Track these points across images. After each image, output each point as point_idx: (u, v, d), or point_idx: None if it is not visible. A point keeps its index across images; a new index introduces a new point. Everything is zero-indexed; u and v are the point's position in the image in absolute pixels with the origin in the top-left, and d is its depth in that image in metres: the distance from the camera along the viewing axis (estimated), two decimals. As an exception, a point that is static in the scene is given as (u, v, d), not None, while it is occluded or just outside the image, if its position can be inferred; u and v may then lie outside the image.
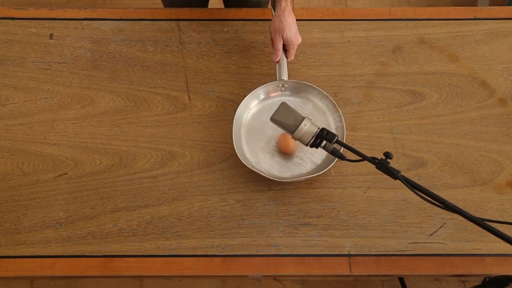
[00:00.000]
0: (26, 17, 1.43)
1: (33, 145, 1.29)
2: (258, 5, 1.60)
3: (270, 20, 1.43)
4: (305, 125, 1.07)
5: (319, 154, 1.26)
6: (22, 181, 1.25)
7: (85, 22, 1.43)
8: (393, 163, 1.24)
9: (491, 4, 2.44)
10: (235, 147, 1.23)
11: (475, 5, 2.43)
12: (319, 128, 1.08)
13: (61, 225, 1.21)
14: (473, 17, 1.44)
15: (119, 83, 1.35)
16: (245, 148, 1.27)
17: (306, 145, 1.09)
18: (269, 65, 1.37)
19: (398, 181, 1.00)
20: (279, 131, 1.25)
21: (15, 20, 1.43)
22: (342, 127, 1.26)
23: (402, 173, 1.00)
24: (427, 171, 1.27)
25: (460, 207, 0.96)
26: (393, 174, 0.99)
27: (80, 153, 1.28)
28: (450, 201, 0.97)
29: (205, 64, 1.37)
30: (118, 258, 1.18)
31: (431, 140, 1.30)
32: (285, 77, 1.28)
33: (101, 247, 1.19)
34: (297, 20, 1.43)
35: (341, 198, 1.24)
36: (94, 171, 1.26)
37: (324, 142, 1.08)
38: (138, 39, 1.41)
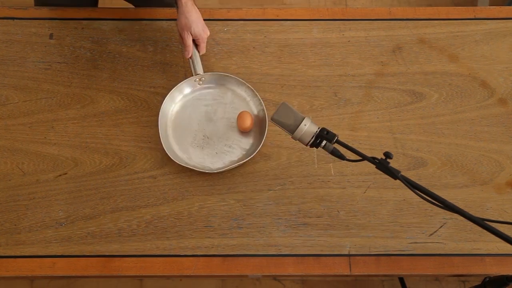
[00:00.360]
0: (26, 17, 1.43)
1: (33, 145, 1.29)
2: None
3: (271, 20, 1.43)
4: (305, 125, 1.07)
5: (246, 140, 1.29)
6: (22, 181, 1.25)
7: (85, 22, 1.42)
8: (393, 163, 1.24)
9: (491, 4, 2.43)
10: (164, 148, 1.24)
11: (475, 5, 2.43)
12: (319, 128, 1.08)
13: (61, 225, 1.21)
14: (473, 17, 1.44)
15: (119, 83, 1.35)
16: (175, 146, 1.28)
17: (306, 145, 1.09)
18: (269, 64, 1.38)
19: (398, 181, 1.00)
20: (205, 124, 1.30)
21: (15, 20, 1.43)
22: (263, 109, 1.29)
23: (402, 173, 1.00)
24: (427, 171, 1.27)
25: (460, 207, 0.96)
26: (393, 174, 0.99)
27: (80, 153, 1.28)
28: (450, 201, 0.97)
29: (205, 64, 1.37)
30: (118, 258, 1.18)
31: (431, 140, 1.30)
32: (200, 71, 1.31)
33: (101, 247, 1.19)
34: (297, 20, 1.43)
35: (341, 198, 1.24)
36: (94, 171, 1.26)
37: (324, 142, 1.08)
38: (138, 39, 1.41)
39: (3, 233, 1.20)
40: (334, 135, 1.06)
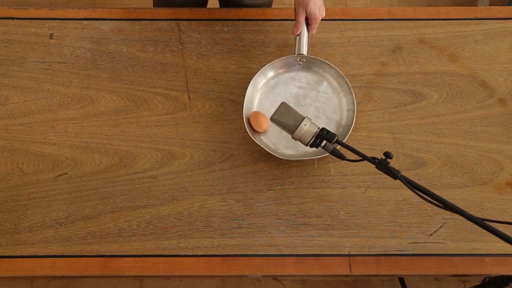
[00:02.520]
0: (26, 17, 1.43)
1: (33, 145, 1.29)
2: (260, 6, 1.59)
3: (270, 20, 1.43)
4: (305, 125, 1.07)
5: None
6: (22, 181, 1.25)
7: (85, 22, 1.43)
8: (393, 163, 1.24)
9: (491, 4, 2.44)
10: (243, 117, 1.22)
11: (475, 5, 2.43)
12: (319, 128, 1.08)
13: (61, 225, 1.21)
14: (473, 17, 1.44)
15: (119, 83, 1.35)
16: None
17: (306, 145, 1.09)
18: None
19: (398, 181, 1.00)
20: (292, 105, 1.23)
21: (15, 20, 1.43)
22: (353, 110, 1.26)
23: (402, 173, 1.00)
24: (427, 171, 1.27)
25: (460, 207, 0.96)
26: (393, 174, 0.99)
27: (80, 153, 1.28)
28: (450, 201, 0.97)
29: (205, 64, 1.37)
30: (118, 258, 1.18)
31: (431, 140, 1.30)
32: (304, 51, 1.27)
33: (101, 247, 1.19)
34: (297, 20, 1.43)
35: (341, 198, 1.24)
36: (94, 171, 1.26)
37: (324, 142, 1.08)
38: (138, 39, 1.41)
39: (3, 233, 1.20)
40: (334, 135, 1.06)
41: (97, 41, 1.40)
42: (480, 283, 1.40)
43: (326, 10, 1.43)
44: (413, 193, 0.99)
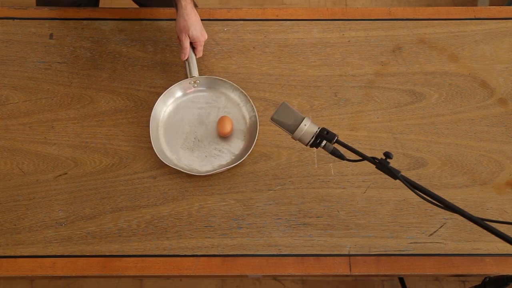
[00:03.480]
0: (26, 17, 1.43)
1: (33, 145, 1.29)
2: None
3: (270, 20, 1.43)
4: (305, 125, 1.07)
5: (236, 145, 1.29)
6: (22, 181, 1.25)
7: (85, 22, 1.43)
8: (393, 163, 1.24)
9: (491, 4, 2.44)
10: (153, 147, 1.25)
11: (475, 5, 2.43)
12: (319, 128, 1.08)
13: (61, 225, 1.21)
14: (473, 17, 1.44)
15: (119, 83, 1.35)
16: (164, 146, 1.29)
17: (306, 145, 1.09)
18: (269, 64, 1.38)
19: (398, 181, 1.00)
20: (196, 127, 1.30)
21: (15, 20, 1.43)
22: (255, 116, 1.29)
23: (402, 173, 1.00)
24: (427, 171, 1.27)
25: (460, 207, 0.96)
26: (393, 174, 0.99)
27: (80, 153, 1.28)
28: (450, 201, 0.97)
29: (205, 64, 1.37)
30: (118, 258, 1.18)
31: (431, 140, 1.30)
32: (195, 73, 1.31)
33: (101, 247, 1.19)
34: (297, 20, 1.43)
35: (341, 198, 1.24)
36: (94, 171, 1.26)
37: (324, 142, 1.08)
38: (138, 39, 1.41)
39: (3, 233, 1.20)
40: (334, 135, 1.06)
41: (97, 41, 1.40)
42: (480, 283, 1.40)
43: (326, 10, 1.44)
44: (413, 193, 0.98)
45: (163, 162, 1.25)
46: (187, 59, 1.31)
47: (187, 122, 1.31)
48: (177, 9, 1.28)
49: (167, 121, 1.31)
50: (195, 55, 1.32)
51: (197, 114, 1.32)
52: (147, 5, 1.54)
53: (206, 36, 1.31)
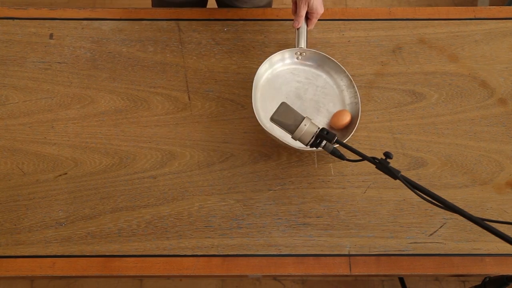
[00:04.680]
0: (26, 17, 1.43)
1: (33, 145, 1.29)
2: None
3: (270, 20, 1.43)
4: (305, 125, 1.07)
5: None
6: (22, 181, 1.25)
7: (85, 22, 1.43)
8: (393, 163, 1.24)
9: (491, 4, 2.44)
10: (254, 109, 1.22)
11: (475, 5, 2.43)
12: (319, 128, 1.08)
13: (61, 225, 1.21)
14: (473, 17, 1.44)
15: (119, 83, 1.35)
16: (261, 112, 1.26)
17: (306, 145, 1.09)
18: (269, 65, 1.38)
19: (398, 181, 1.00)
20: (293, 99, 1.27)
21: (15, 20, 1.43)
22: (357, 103, 1.27)
23: (402, 173, 1.00)
24: (427, 171, 1.27)
25: (460, 207, 0.96)
26: (393, 174, 0.99)
27: (80, 153, 1.28)
28: (450, 201, 0.97)
29: (205, 64, 1.37)
30: (118, 258, 1.18)
31: (431, 140, 1.30)
32: (303, 45, 1.28)
33: (101, 247, 1.19)
34: (297, 20, 1.43)
35: (341, 198, 1.24)
36: (94, 171, 1.26)
37: (324, 142, 1.08)
38: (138, 39, 1.41)
39: (3, 233, 1.20)
40: (334, 135, 1.06)
41: (97, 41, 1.40)
42: (480, 283, 1.40)
43: (326, 10, 1.44)
44: (413, 193, 0.99)
45: (166, 161, 1.25)
46: (298, 28, 1.27)
47: (284, 93, 1.27)
48: None
49: (265, 86, 1.28)
50: (307, 26, 1.29)
51: (295, 87, 1.29)
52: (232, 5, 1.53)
53: (323, 10, 1.27)
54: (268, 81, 1.30)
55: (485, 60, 1.39)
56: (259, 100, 1.28)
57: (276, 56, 1.30)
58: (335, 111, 1.28)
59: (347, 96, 1.30)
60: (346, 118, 1.25)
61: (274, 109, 1.18)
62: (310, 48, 1.33)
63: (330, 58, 1.31)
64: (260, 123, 1.22)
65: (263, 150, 1.28)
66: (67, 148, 1.28)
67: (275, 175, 1.26)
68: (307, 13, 1.27)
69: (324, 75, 1.32)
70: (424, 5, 2.51)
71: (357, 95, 1.28)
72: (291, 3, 1.29)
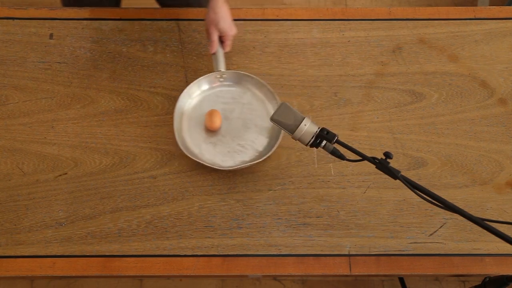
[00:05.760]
0: (26, 17, 1.43)
1: (33, 145, 1.29)
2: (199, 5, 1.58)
3: (270, 20, 1.43)
4: (305, 125, 1.07)
5: (260, 141, 1.28)
6: (22, 181, 1.25)
7: (85, 22, 1.43)
8: (393, 163, 1.24)
9: (491, 4, 2.44)
10: (177, 139, 1.24)
11: (475, 5, 2.43)
12: (319, 128, 1.08)
13: (61, 225, 1.21)
14: (473, 17, 1.44)
15: (119, 83, 1.35)
16: (188, 140, 1.28)
17: (306, 145, 1.09)
18: (269, 64, 1.38)
19: (398, 181, 1.00)
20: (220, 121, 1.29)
21: (15, 20, 1.43)
22: None
23: (402, 173, 1.00)
24: (427, 171, 1.27)
25: (460, 207, 0.96)
26: (393, 174, 0.99)
27: (80, 153, 1.28)
28: (450, 201, 0.97)
29: (205, 64, 1.37)
30: (118, 258, 1.18)
31: (431, 140, 1.30)
32: (222, 68, 1.31)
33: (101, 247, 1.19)
34: (297, 20, 1.43)
35: (341, 198, 1.24)
36: (94, 171, 1.26)
37: (324, 142, 1.08)
38: (138, 39, 1.41)
39: (3, 233, 1.20)
40: (334, 135, 1.06)
41: (97, 41, 1.40)
42: (480, 283, 1.40)
43: (326, 10, 1.44)
44: (413, 193, 0.98)
45: (166, 161, 1.25)
46: (214, 53, 1.30)
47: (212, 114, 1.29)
48: (208, 2, 1.27)
49: (191, 114, 1.31)
50: (223, 49, 1.31)
51: (222, 109, 1.31)
52: (169, 4, 1.53)
53: (235, 31, 1.30)
54: (194, 108, 1.32)
55: (485, 60, 1.39)
56: (185, 129, 1.29)
57: (196, 84, 1.32)
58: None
59: (271, 108, 1.31)
60: (217, 120, 1.27)
61: (202, 135, 1.26)
62: (229, 70, 1.34)
63: (249, 75, 1.33)
64: (185, 152, 1.23)
65: (263, 150, 1.28)
66: (67, 148, 1.28)
67: (275, 175, 1.26)
68: (221, 36, 1.30)
69: (248, 92, 1.34)
70: (424, 5, 2.51)
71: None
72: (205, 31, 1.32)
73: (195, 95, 1.33)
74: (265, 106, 1.32)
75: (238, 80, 1.34)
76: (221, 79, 1.34)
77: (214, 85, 1.34)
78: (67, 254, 1.18)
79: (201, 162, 1.23)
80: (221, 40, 1.31)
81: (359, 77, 1.37)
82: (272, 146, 1.25)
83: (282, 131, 1.25)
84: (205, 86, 1.34)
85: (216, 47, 1.29)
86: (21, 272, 1.17)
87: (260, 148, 1.28)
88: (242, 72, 1.33)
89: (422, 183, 1.24)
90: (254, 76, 1.32)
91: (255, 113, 1.30)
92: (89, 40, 1.40)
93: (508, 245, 0.93)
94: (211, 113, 1.28)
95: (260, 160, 1.23)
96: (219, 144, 1.28)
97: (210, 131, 1.29)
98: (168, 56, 1.39)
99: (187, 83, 1.35)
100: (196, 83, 1.32)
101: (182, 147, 1.24)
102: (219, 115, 1.28)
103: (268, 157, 1.27)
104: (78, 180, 1.25)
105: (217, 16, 1.26)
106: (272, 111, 1.30)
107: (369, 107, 1.33)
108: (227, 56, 1.38)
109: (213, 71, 1.32)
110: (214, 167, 1.23)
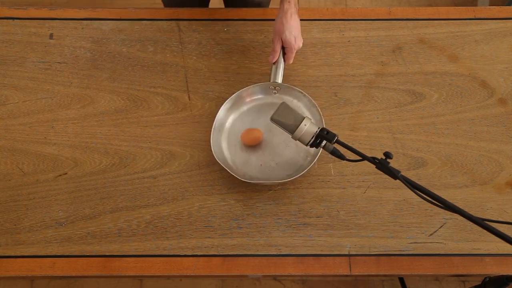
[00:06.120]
0: (26, 17, 1.43)
1: (33, 145, 1.29)
2: (259, 5, 1.59)
3: (270, 20, 1.43)
4: (305, 125, 1.07)
5: (294, 163, 1.24)
6: (22, 181, 1.25)
7: (85, 22, 1.43)
8: (393, 163, 1.24)
9: (491, 4, 2.44)
10: (211, 140, 1.23)
11: (475, 5, 2.43)
12: (319, 128, 1.08)
13: (61, 225, 1.21)
14: (473, 17, 1.44)
15: (119, 83, 1.35)
16: (224, 143, 1.27)
17: (306, 145, 1.09)
18: (269, 64, 1.37)
19: (398, 181, 1.00)
20: (263, 132, 1.26)
21: (15, 20, 1.43)
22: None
23: (402, 173, 1.00)
24: (427, 171, 1.27)
25: (460, 207, 0.96)
26: (393, 174, 0.99)
27: (80, 153, 1.28)
28: (450, 201, 0.97)
29: (205, 64, 1.37)
30: (118, 258, 1.18)
31: (431, 140, 1.30)
32: (279, 79, 1.27)
33: (101, 247, 1.19)
34: (297, 20, 1.43)
35: (341, 198, 1.24)
36: (94, 171, 1.26)
37: (324, 142, 1.08)
38: (138, 39, 1.41)
39: (3, 233, 1.20)
40: (334, 135, 1.06)
41: (97, 41, 1.40)
42: (480, 283, 1.40)
43: (326, 10, 1.44)
44: (413, 193, 0.98)
45: (166, 161, 1.25)
46: (275, 63, 1.27)
47: (257, 125, 1.27)
48: (279, 10, 1.25)
49: (237, 118, 1.28)
50: (284, 61, 1.28)
51: (269, 120, 1.19)
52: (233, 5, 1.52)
53: (300, 45, 1.27)
54: (242, 114, 1.29)
55: (485, 60, 1.39)
56: (226, 131, 1.27)
57: (246, 91, 1.29)
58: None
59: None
60: (257, 135, 1.25)
61: (240, 141, 1.20)
62: (285, 83, 1.30)
63: (303, 93, 1.28)
64: (216, 156, 1.21)
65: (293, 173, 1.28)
66: (67, 148, 1.28)
67: (275, 175, 1.26)
68: (284, 47, 1.26)
69: (299, 110, 1.28)
70: (424, 5, 2.51)
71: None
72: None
73: (247, 101, 1.30)
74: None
75: (292, 95, 1.30)
76: (274, 91, 1.30)
77: (267, 95, 1.31)
78: (67, 254, 1.18)
79: (227, 169, 1.20)
80: (284, 52, 1.27)
81: (359, 77, 1.37)
82: (304, 168, 1.21)
83: (317, 156, 1.22)
84: (257, 95, 1.30)
85: (276, 57, 1.26)
86: (21, 272, 1.17)
87: (290, 172, 1.24)
88: (296, 88, 1.29)
89: (422, 183, 1.24)
90: (307, 95, 1.28)
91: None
92: (89, 40, 1.40)
93: (508, 245, 0.93)
94: (248, 132, 1.26)
95: (283, 181, 1.20)
96: (254, 155, 1.25)
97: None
98: (168, 56, 1.39)
99: (187, 83, 1.35)
100: (247, 91, 1.28)
101: (213, 149, 1.21)
102: (256, 134, 1.25)
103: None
104: (78, 180, 1.25)
105: (283, 26, 1.23)
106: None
107: (369, 107, 1.33)
108: (228, 56, 1.38)
109: (268, 81, 1.28)
110: (240, 178, 1.19)
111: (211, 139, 1.23)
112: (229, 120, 1.29)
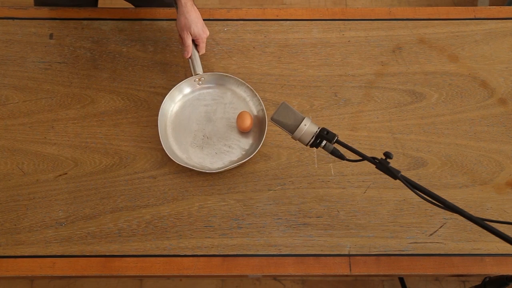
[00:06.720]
0: (26, 17, 1.43)
1: (33, 145, 1.29)
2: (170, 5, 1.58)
3: (271, 20, 1.43)
4: (305, 125, 1.07)
5: (246, 140, 1.29)
6: (22, 181, 1.25)
7: (85, 22, 1.43)
8: (393, 163, 1.24)
9: (491, 4, 2.44)
10: (164, 148, 1.24)
11: (475, 5, 2.43)
12: (319, 128, 1.08)
13: (61, 225, 1.21)
14: (473, 17, 1.44)
15: (119, 83, 1.35)
16: (174, 146, 1.29)
17: (306, 145, 1.09)
18: (269, 64, 1.38)
19: (398, 181, 1.00)
20: (204, 124, 1.30)
21: (15, 20, 1.43)
22: (263, 109, 1.30)
23: (402, 173, 1.00)
24: (427, 171, 1.27)
25: (460, 207, 0.96)
26: (393, 174, 0.99)
27: (80, 153, 1.28)
28: (450, 201, 0.97)
29: (205, 64, 1.37)
30: (118, 258, 1.18)
31: (431, 140, 1.30)
32: (199, 71, 1.31)
33: (101, 247, 1.19)
34: (297, 20, 1.43)
35: (341, 198, 1.24)
36: (94, 171, 1.26)
37: (324, 142, 1.08)
38: (138, 39, 1.41)
39: (3, 233, 1.20)
40: (334, 135, 1.06)
41: (97, 41, 1.40)
42: (480, 283, 1.40)
43: (326, 10, 1.44)
44: (413, 193, 0.98)
45: (166, 161, 1.25)
46: (190, 57, 1.30)
47: (195, 120, 1.31)
48: (177, 7, 1.28)
49: (175, 120, 1.31)
50: (198, 52, 1.32)
51: (204, 111, 1.32)
52: (142, 5, 1.53)
53: (207, 33, 1.31)
54: (176, 113, 1.32)
55: (485, 60, 1.39)
56: (171, 136, 1.30)
57: (176, 89, 1.32)
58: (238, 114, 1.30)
59: (253, 105, 1.32)
60: (248, 120, 1.27)
61: (188, 139, 1.26)
62: (206, 72, 1.33)
63: (228, 75, 1.33)
64: (173, 158, 1.23)
65: (263, 150, 1.28)
66: (67, 148, 1.28)
67: (275, 175, 1.26)
68: (193, 40, 1.29)
69: (228, 92, 1.34)
70: (424, 5, 2.51)
71: (260, 102, 1.30)
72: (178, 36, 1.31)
73: (176, 100, 1.33)
74: (247, 103, 1.32)
75: (217, 81, 1.34)
76: (199, 83, 1.34)
77: (193, 88, 1.34)
78: (67, 254, 1.18)
79: (190, 167, 1.23)
80: (195, 44, 1.31)
81: (359, 77, 1.37)
82: (259, 143, 1.26)
83: (266, 128, 1.26)
84: (185, 90, 1.33)
85: (191, 51, 1.29)
86: (21, 272, 1.17)
87: (247, 146, 1.28)
88: (220, 73, 1.34)
89: (422, 183, 1.24)
90: (232, 76, 1.33)
91: (238, 111, 1.30)
92: (89, 40, 1.40)
93: (508, 245, 0.93)
94: (241, 115, 1.28)
95: (248, 158, 1.23)
96: (206, 146, 1.28)
97: (186, 134, 1.29)
98: (168, 56, 1.39)
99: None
100: (176, 89, 1.31)
101: (169, 153, 1.24)
102: (249, 115, 1.28)
103: (268, 157, 1.27)
104: (78, 180, 1.25)
105: (188, 20, 1.25)
106: (254, 108, 1.31)
107: (369, 107, 1.33)
108: (227, 56, 1.38)
109: (191, 75, 1.32)
110: (204, 170, 1.24)
111: (163, 144, 1.25)
112: (169, 121, 1.31)
